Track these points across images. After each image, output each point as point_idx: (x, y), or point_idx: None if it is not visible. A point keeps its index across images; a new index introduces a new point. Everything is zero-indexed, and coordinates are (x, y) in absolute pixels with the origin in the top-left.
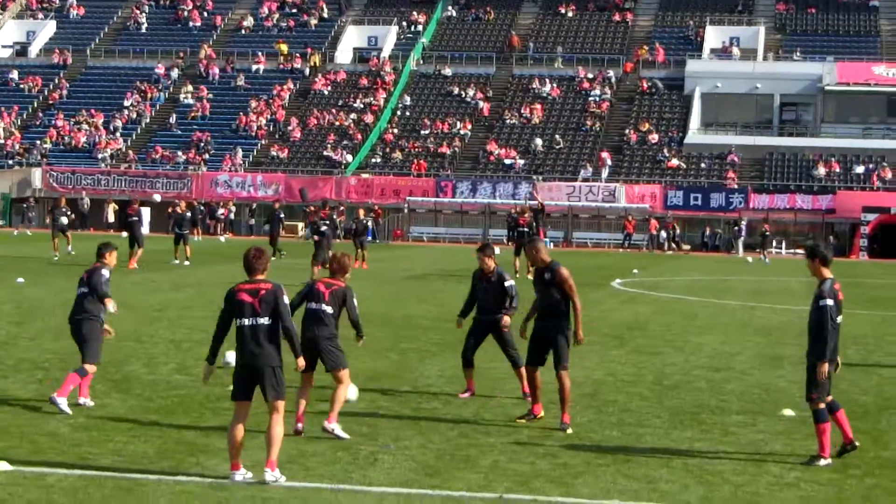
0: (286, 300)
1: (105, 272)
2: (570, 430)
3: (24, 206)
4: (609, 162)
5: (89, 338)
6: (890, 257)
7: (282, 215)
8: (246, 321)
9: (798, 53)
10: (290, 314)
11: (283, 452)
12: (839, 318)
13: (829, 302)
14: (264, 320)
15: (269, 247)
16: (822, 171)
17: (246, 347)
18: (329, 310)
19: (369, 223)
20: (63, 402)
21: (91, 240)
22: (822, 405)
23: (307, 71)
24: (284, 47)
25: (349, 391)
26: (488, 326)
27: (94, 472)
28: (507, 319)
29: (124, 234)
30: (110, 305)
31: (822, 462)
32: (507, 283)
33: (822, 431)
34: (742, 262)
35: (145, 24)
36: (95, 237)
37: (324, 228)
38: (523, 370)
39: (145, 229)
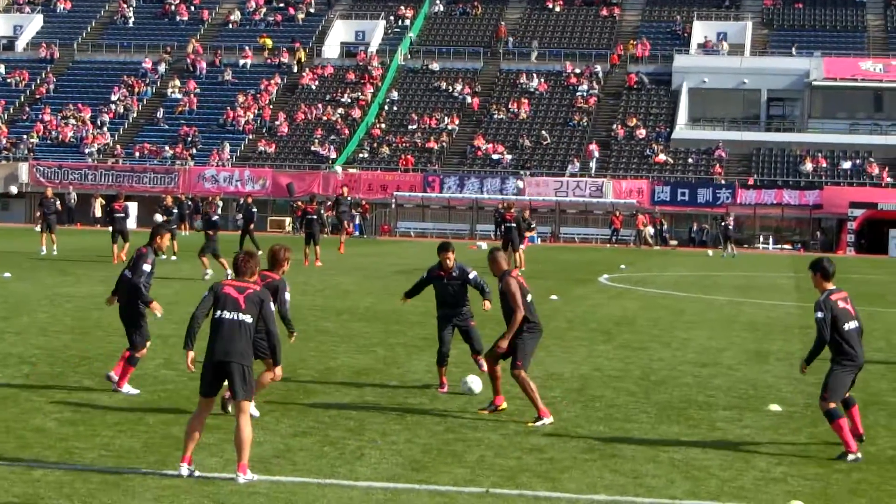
0: (272, 306)
1: (146, 266)
2: (546, 422)
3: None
4: (596, 154)
5: (131, 326)
6: (877, 253)
7: (254, 209)
8: (227, 314)
9: (795, 49)
10: (274, 320)
11: (270, 448)
12: (848, 325)
13: (819, 315)
14: (246, 318)
15: (250, 244)
16: (809, 166)
17: (220, 341)
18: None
19: (349, 199)
20: (127, 388)
21: (78, 235)
22: (833, 405)
23: (294, 66)
24: (269, 41)
25: (474, 384)
26: (453, 318)
27: (80, 466)
28: (488, 304)
29: (109, 228)
30: (157, 311)
31: (850, 457)
32: (471, 276)
33: (840, 428)
34: (716, 255)
35: (132, 19)
36: (82, 232)
37: (215, 218)
38: (480, 359)
39: (132, 224)
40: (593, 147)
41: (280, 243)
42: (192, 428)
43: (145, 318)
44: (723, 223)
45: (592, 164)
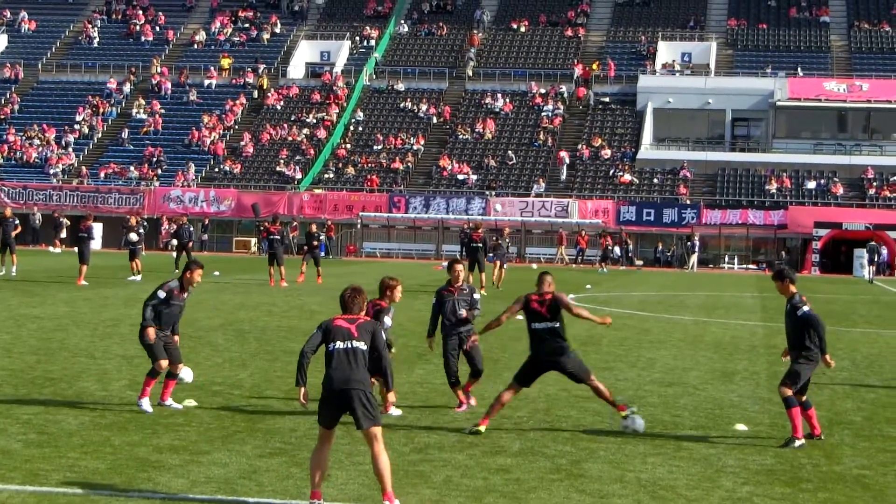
0: (384, 335)
1: (160, 292)
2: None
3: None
4: (567, 160)
5: (143, 344)
6: (841, 272)
7: (191, 229)
8: (339, 344)
9: (768, 69)
10: (385, 346)
11: (236, 469)
12: None
13: (807, 307)
14: (360, 344)
15: (184, 261)
16: (773, 186)
17: (337, 371)
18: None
19: (321, 236)
20: (145, 402)
21: (42, 256)
22: (791, 392)
23: (255, 92)
24: (226, 62)
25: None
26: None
27: (46, 488)
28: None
29: (75, 249)
30: (149, 337)
31: (797, 443)
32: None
33: (794, 415)
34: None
35: (97, 39)
36: (46, 253)
37: None
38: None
39: (97, 245)
40: (564, 154)
41: (389, 275)
42: (317, 460)
43: (149, 339)
44: (688, 243)
45: (563, 171)
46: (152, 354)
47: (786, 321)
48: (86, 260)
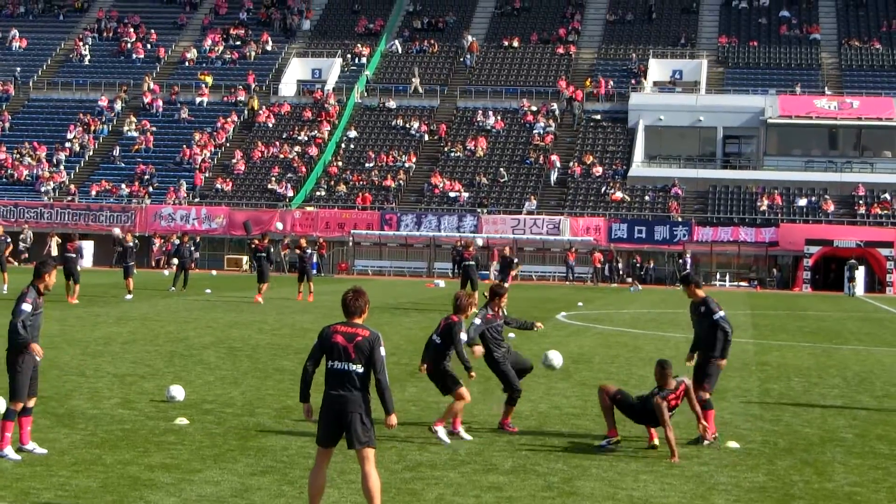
0: (383, 352)
1: (25, 305)
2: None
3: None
4: (558, 164)
5: (8, 372)
6: (832, 290)
7: (192, 248)
8: (337, 364)
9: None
10: (384, 367)
11: (228, 487)
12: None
13: (723, 313)
14: (356, 367)
15: (180, 279)
16: (765, 203)
17: (333, 392)
18: None
19: (314, 256)
20: (9, 451)
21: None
22: (709, 395)
23: (250, 106)
24: (209, 79)
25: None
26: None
27: None
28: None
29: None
30: (37, 354)
31: (706, 442)
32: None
33: (710, 417)
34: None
35: (88, 57)
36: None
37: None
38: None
39: (88, 262)
40: (555, 158)
41: (464, 291)
42: (315, 483)
43: (23, 364)
44: (680, 260)
45: (553, 175)
46: (15, 389)
47: (695, 324)
48: (77, 279)
